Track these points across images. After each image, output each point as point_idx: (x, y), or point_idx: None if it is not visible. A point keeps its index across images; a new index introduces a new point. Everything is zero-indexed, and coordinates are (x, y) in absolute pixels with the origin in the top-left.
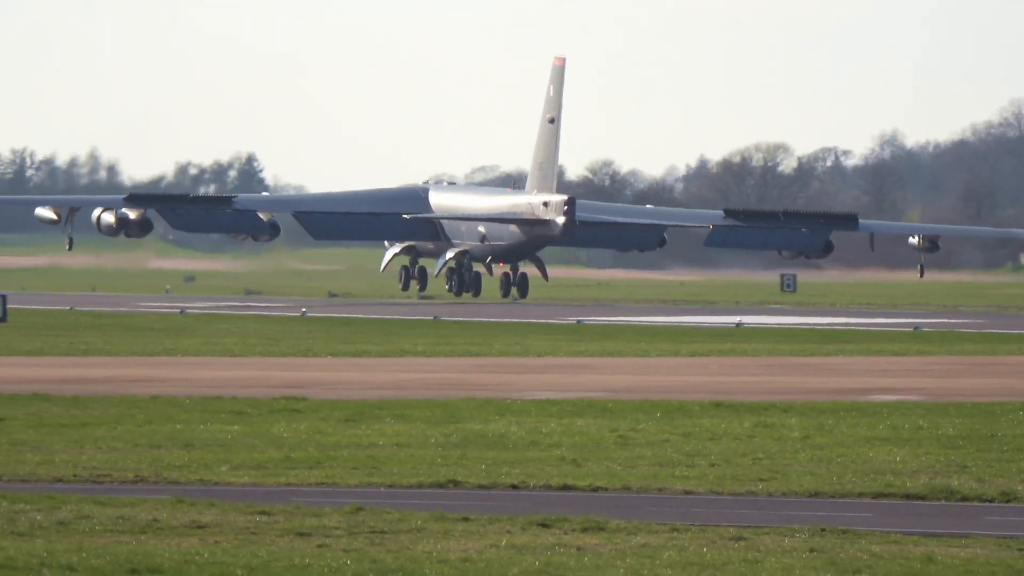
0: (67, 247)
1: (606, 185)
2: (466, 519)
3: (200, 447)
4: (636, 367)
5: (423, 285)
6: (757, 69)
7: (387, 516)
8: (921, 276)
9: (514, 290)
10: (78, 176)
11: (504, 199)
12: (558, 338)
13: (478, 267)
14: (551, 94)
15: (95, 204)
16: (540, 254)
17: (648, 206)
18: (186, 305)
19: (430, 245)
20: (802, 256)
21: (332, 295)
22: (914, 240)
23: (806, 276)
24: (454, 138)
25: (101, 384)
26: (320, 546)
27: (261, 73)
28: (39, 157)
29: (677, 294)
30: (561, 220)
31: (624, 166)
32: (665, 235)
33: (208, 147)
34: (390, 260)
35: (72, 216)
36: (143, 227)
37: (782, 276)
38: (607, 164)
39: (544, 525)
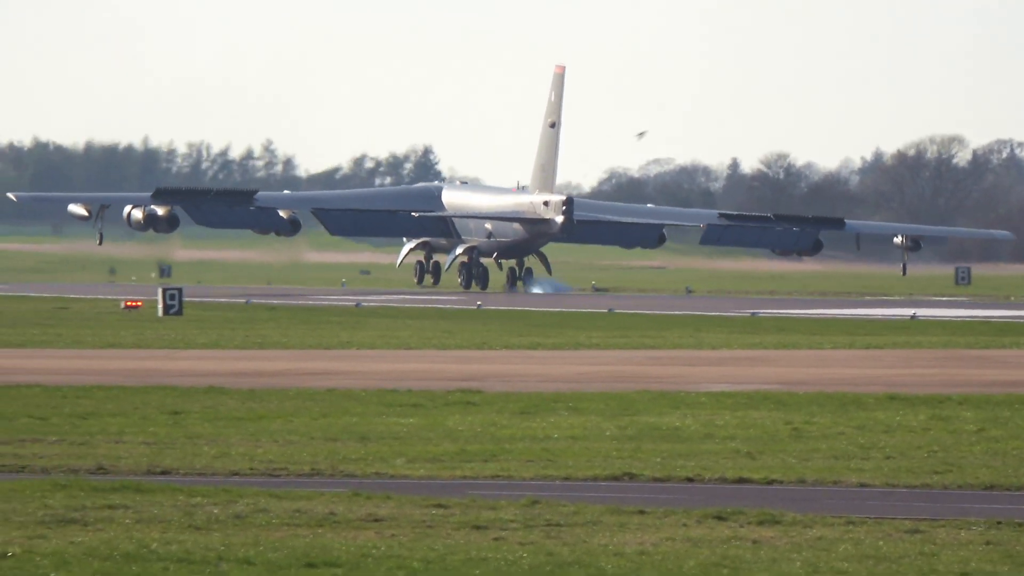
0: (98, 242)
1: (780, 178)
2: (641, 512)
3: (376, 440)
4: (811, 359)
5: (436, 279)
6: (933, 61)
7: (562, 509)
8: (904, 274)
9: (520, 283)
10: (253, 169)
11: (509, 199)
12: (732, 331)
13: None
14: (552, 100)
15: (125, 201)
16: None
17: (649, 205)
18: (362, 298)
19: (443, 241)
20: (794, 254)
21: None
22: (898, 240)
23: (980, 270)
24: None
25: (277, 377)
26: (496, 539)
27: (436, 65)
28: (215, 151)
29: (852, 287)
30: (560, 219)
31: (799, 159)
32: (664, 232)
33: (385, 140)
34: (405, 255)
35: (103, 212)
36: (170, 223)
37: (956, 269)
38: (782, 157)
39: (720, 518)
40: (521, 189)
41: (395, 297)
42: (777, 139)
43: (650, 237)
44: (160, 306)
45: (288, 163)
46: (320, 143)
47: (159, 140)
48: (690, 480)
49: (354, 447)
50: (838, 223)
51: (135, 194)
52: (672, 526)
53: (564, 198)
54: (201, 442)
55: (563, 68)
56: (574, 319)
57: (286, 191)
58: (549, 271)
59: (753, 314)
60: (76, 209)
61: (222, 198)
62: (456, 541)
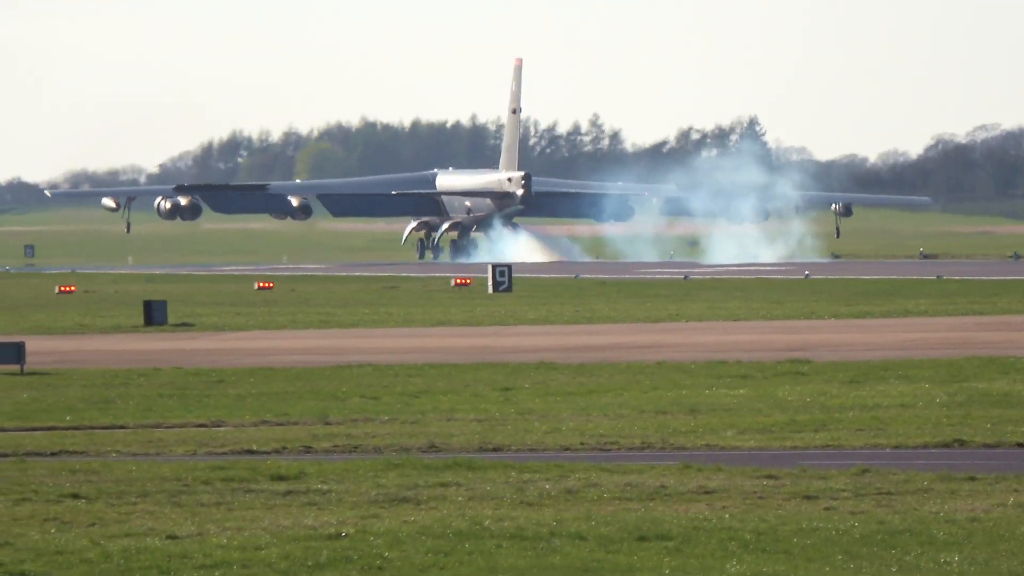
0: (126, 230)
1: None
2: (972, 478)
3: (706, 412)
4: None
5: (436, 254)
6: None
7: (893, 477)
8: (838, 236)
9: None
10: (580, 144)
11: (482, 177)
12: None
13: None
14: (513, 89)
15: (151, 193)
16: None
17: (619, 183)
18: (689, 270)
19: (436, 219)
20: (745, 223)
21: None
22: (834, 207)
23: None
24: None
25: (606, 351)
26: (827, 509)
27: (760, 37)
28: (542, 126)
29: None
30: (520, 192)
31: None
32: (632, 206)
33: (710, 112)
34: (408, 234)
35: (130, 204)
36: (193, 211)
37: None
38: None
39: None
40: None
41: (720, 269)
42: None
43: (610, 209)
44: (490, 283)
45: (615, 137)
46: (646, 116)
47: (486, 117)
48: (1021, 446)
49: (684, 419)
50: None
51: (158, 187)
52: (1003, 492)
53: (523, 174)
54: (532, 418)
55: (520, 60)
56: (902, 287)
57: (298, 180)
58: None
59: None
60: (107, 202)
61: (236, 189)
62: (787, 512)
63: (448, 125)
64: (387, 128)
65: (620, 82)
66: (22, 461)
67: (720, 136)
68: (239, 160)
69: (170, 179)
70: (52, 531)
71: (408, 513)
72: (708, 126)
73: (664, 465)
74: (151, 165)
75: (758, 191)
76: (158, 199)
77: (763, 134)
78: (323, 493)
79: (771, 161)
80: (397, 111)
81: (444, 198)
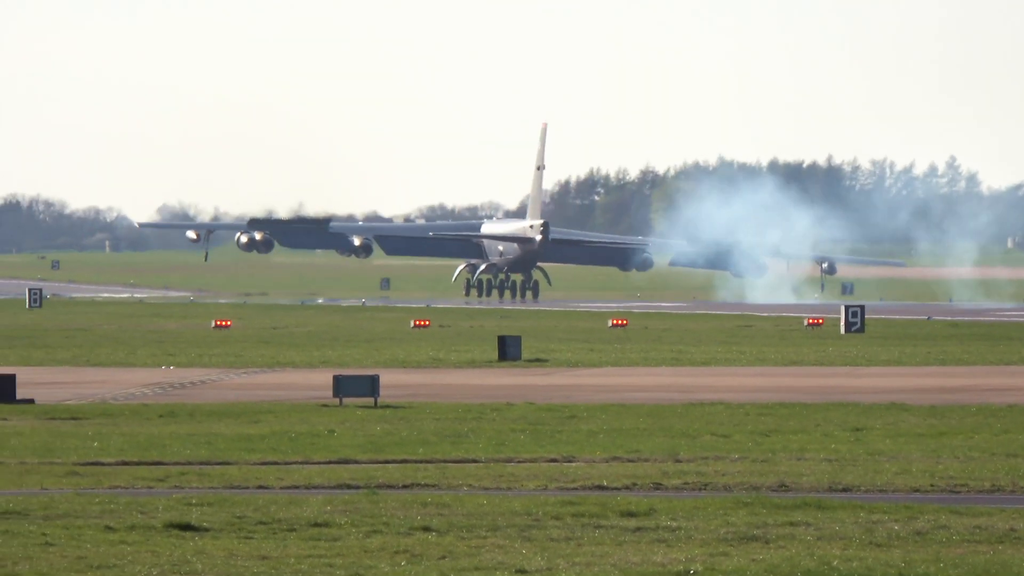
0: (204, 259)
1: None
2: None
3: None
4: None
5: (480, 292)
6: None
7: None
8: (822, 290)
9: (529, 293)
10: (936, 186)
11: (513, 225)
12: None
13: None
14: (539, 149)
15: (226, 227)
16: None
17: (638, 237)
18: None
19: (480, 262)
20: (747, 276)
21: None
22: (822, 265)
23: None
24: None
25: (958, 393)
26: None
27: None
28: (898, 167)
29: None
30: (538, 238)
31: None
32: (648, 257)
33: None
34: (457, 275)
35: (209, 236)
36: (267, 245)
37: None
38: None
39: None
40: None
41: None
42: None
43: (618, 259)
44: (842, 323)
45: (971, 179)
46: (1006, 156)
47: (842, 157)
48: None
49: None
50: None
51: (233, 222)
52: None
53: (542, 223)
54: (882, 459)
55: (545, 124)
56: None
57: (360, 222)
58: (549, 282)
59: None
60: (189, 234)
61: (302, 224)
62: None
63: (804, 165)
64: (743, 167)
65: (978, 125)
66: (374, 493)
67: None
68: (595, 198)
69: (522, 216)
70: (402, 563)
71: (757, 552)
72: None
73: (1014, 508)
74: (511, 202)
75: None
76: (237, 234)
77: None
78: (672, 530)
79: None
80: (754, 151)
81: (485, 242)
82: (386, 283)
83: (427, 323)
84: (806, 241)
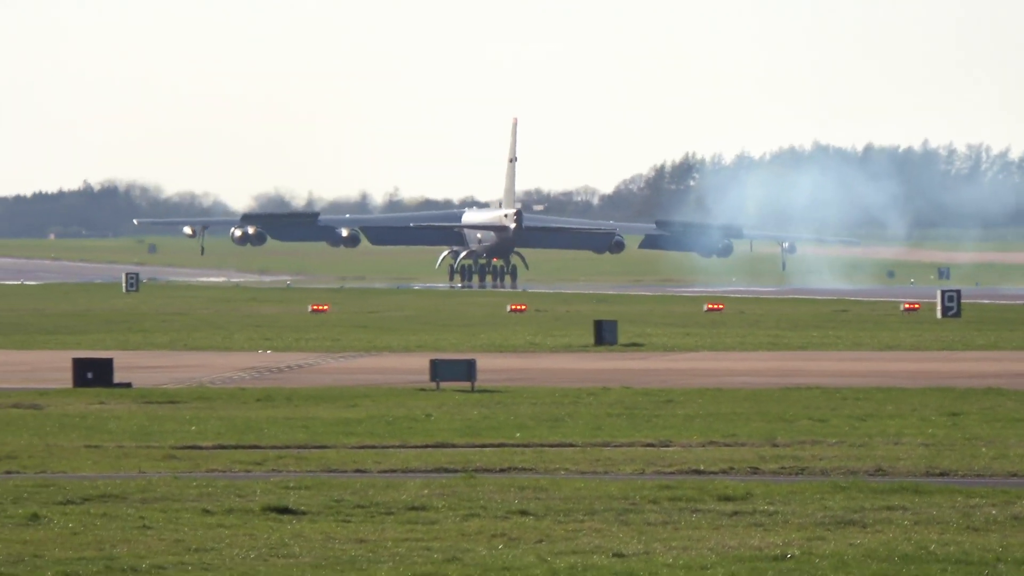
0: (200, 252)
1: None
2: None
3: None
4: None
5: (464, 277)
6: None
7: None
8: (783, 269)
9: (508, 277)
10: None
11: (489, 214)
12: None
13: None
14: (511, 142)
15: (219, 223)
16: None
17: (608, 222)
18: None
19: (461, 249)
20: (714, 256)
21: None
22: (783, 245)
23: None
24: None
25: None
26: None
27: None
28: (994, 152)
29: None
30: (512, 225)
31: None
32: (620, 240)
33: None
34: (441, 261)
35: (204, 231)
36: (260, 238)
37: None
38: None
39: None
40: None
41: None
42: None
43: (600, 243)
44: (938, 308)
45: None
46: None
47: (938, 142)
48: None
49: None
50: (736, 231)
51: (226, 218)
52: None
53: (516, 211)
54: (979, 443)
55: (516, 119)
56: None
57: (347, 215)
58: (526, 267)
59: None
60: (186, 229)
61: (292, 218)
62: None
63: (900, 149)
64: (838, 151)
65: None
66: (471, 477)
67: None
68: (691, 183)
69: (623, 202)
70: (499, 547)
71: (854, 536)
72: None
73: None
74: (607, 186)
75: None
76: (232, 228)
77: None
78: (769, 514)
79: None
80: (850, 136)
81: (466, 231)
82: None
83: (523, 308)
84: (884, 224)
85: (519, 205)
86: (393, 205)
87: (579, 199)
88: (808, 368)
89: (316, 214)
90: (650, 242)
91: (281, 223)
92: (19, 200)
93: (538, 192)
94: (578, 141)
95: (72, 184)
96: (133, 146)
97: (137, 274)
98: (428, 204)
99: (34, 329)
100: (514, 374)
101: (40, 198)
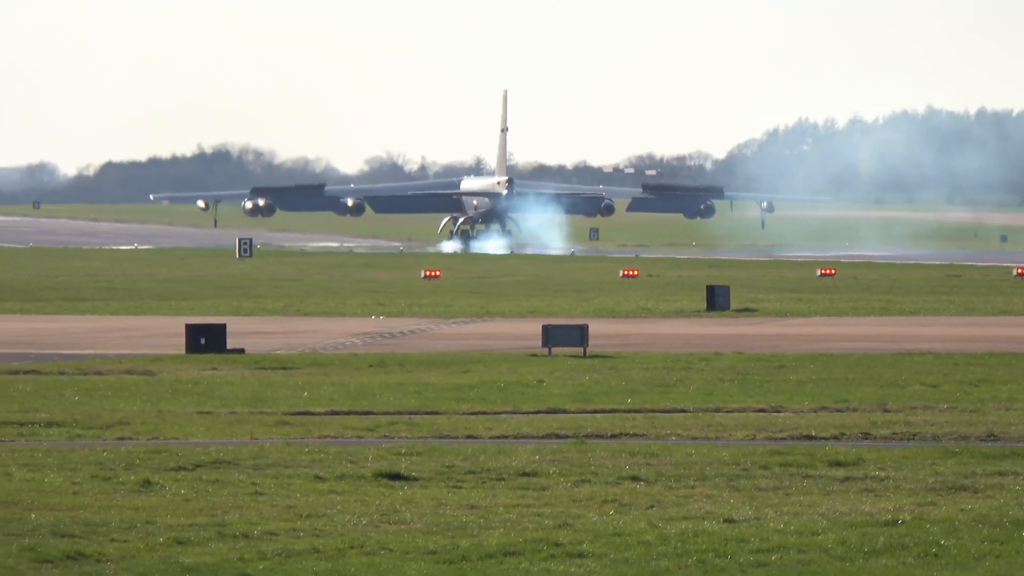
0: (214, 225)
1: None
2: None
3: None
4: None
5: (464, 242)
6: None
7: None
8: (763, 227)
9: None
10: None
11: (484, 181)
12: None
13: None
14: (502, 113)
15: (232, 196)
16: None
17: (598, 187)
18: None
19: (460, 215)
20: (697, 217)
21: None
22: (762, 204)
23: None
24: None
25: None
26: None
27: None
28: None
29: None
30: (504, 192)
31: None
32: (609, 204)
33: None
34: (442, 227)
35: (216, 204)
36: (270, 210)
37: None
38: None
39: None
40: None
41: None
42: None
43: (591, 207)
44: None
45: None
46: None
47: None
48: None
49: None
50: (717, 192)
51: (237, 191)
52: None
53: (507, 179)
54: None
55: (506, 91)
56: None
57: (351, 184)
58: (520, 231)
59: None
60: (199, 203)
61: (298, 191)
62: None
63: (1014, 113)
64: (951, 115)
65: None
66: (582, 443)
67: None
68: (804, 147)
69: (735, 167)
70: (611, 512)
71: (965, 501)
72: None
73: None
74: (720, 151)
75: None
76: (243, 200)
77: None
78: (880, 480)
79: None
80: (962, 101)
81: (463, 198)
82: (595, 233)
83: (636, 273)
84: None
85: (512, 176)
86: (508, 169)
87: (692, 163)
88: (920, 333)
89: (322, 185)
90: (636, 205)
91: (289, 195)
92: (135, 165)
93: (650, 157)
94: (693, 105)
95: (186, 149)
96: (246, 112)
97: (251, 239)
98: (541, 169)
99: (147, 295)
100: (626, 339)
101: (154, 163)
